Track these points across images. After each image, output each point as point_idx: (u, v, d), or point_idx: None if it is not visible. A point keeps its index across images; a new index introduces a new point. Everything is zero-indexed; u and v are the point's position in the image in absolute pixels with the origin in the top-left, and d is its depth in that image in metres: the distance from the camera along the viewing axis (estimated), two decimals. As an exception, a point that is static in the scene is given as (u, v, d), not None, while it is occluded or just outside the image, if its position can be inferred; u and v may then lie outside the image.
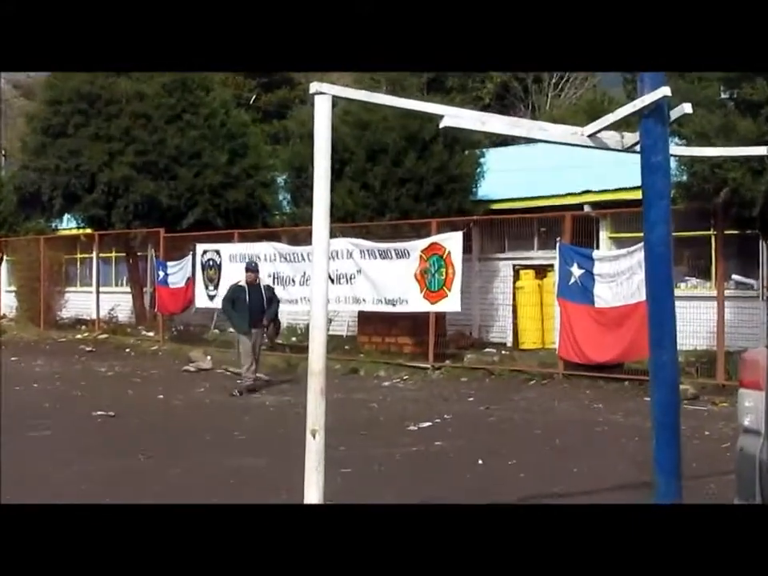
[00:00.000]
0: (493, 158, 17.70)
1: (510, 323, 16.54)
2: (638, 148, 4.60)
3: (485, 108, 28.96)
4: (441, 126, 4.58)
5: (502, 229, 17.23)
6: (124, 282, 23.62)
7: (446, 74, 29.64)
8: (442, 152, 15.89)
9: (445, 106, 4.91)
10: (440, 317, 14.80)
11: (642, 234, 4.72)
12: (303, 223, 15.67)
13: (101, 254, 22.91)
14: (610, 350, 12.11)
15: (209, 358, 15.63)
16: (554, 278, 13.52)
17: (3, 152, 36.45)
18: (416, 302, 14.03)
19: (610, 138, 4.79)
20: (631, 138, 4.74)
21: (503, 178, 17.63)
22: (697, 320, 12.44)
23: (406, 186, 15.80)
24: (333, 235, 5.76)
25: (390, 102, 4.82)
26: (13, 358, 16.42)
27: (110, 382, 13.77)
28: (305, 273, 15.17)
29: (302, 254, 15.56)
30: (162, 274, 18.68)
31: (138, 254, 22.18)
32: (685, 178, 11.58)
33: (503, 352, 15.34)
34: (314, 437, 4.21)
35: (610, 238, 15.76)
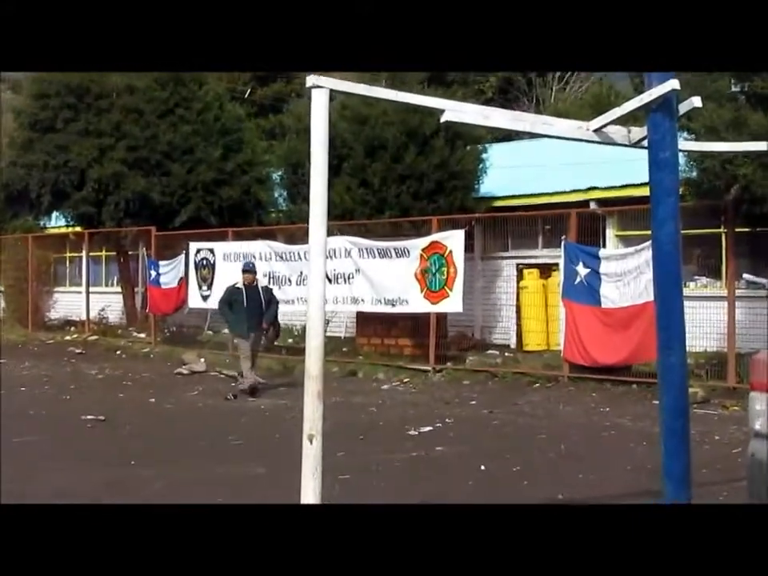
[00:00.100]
0: (495, 153, 17.71)
1: (514, 324, 16.55)
2: (645, 143, 4.61)
3: (487, 102, 28.98)
4: (442, 120, 4.58)
5: (505, 227, 17.22)
6: (114, 282, 23.62)
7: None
8: (443, 148, 15.89)
9: (446, 100, 4.91)
10: (441, 318, 14.80)
11: (649, 232, 4.72)
12: (300, 221, 15.67)
13: (91, 253, 22.89)
14: (616, 352, 12.12)
15: (202, 360, 15.64)
16: (558, 277, 13.52)
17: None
18: (416, 303, 14.03)
19: (617, 132, 4.80)
20: (638, 132, 4.75)
21: (506, 174, 17.64)
22: (707, 321, 12.44)
23: (406, 182, 15.80)
24: (330, 233, 5.76)
25: (389, 96, 4.82)
26: (-1, 361, 16.43)
27: (100, 386, 13.75)
28: (301, 272, 15.16)
29: (298, 253, 15.55)
30: (153, 273, 18.68)
31: (129, 252, 22.18)
32: (694, 174, 11.59)
33: (506, 354, 15.34)
34: (311, 442, 4.21)
35: (617, 236, 15.77)
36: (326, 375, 4.34)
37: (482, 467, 7.89)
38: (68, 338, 20.54)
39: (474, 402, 11.84)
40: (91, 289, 22.21)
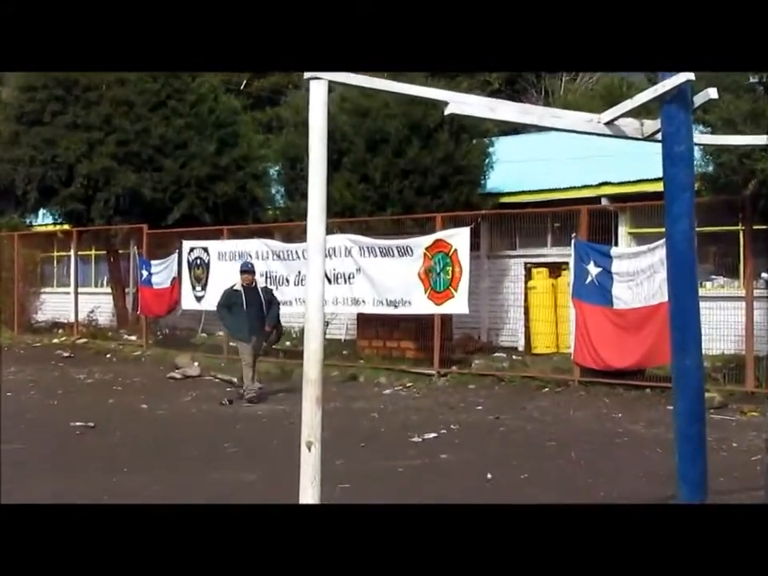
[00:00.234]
0: (503, 147, 17.72)
1: (522, 326, 16.56)
2: (659, 137, 4.61)
3: (494, 94, 28.97)
4: (446, 113, 4.59)
5: (513, 224, 17.20)
6: (104, 283, 23.64)
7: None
8: (447, 141, 15.90)
9: (450, 91, 4.92)
10: (446, 319, 14.80)
11: (663, 230, 4.73)
12: (298, 218, 15.66)
13: (79, 252, 22.93)
14: (629, 355, 12.11)
15: (196, 363, 15.65)
16: (568, 277, 13.53)
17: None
18: (420, 304, 14.03)
19: (629, 125, 4.80)
20: (652, 125, 4.75)
21: (514, 169, 17.64)
22: (724, 322, 12.44)
23: (408, 177, 15.81)
24: (330, 231, 5.76)
25: (391, 87, 4.82)
26: (-16, 365, 16.44)
27: (90, 391, 13.77)
28: (299, 272, 15.17)
29: (296, 252, 15.56)
30: (145, 273, 18.69)
31: (120, 251, 22.18)
32: (710, 168, 11.59)
33: (514, 357, 15.35)
34: (310, 449, 4.22)
35: (630, 233, 15.77)
36: (325, 379, 4.35)
37: (489, 475, 7.89)
38: (56, 340, 20.55)
39: (480, 408, 11.85)
40: (80, 289, 22.20)
